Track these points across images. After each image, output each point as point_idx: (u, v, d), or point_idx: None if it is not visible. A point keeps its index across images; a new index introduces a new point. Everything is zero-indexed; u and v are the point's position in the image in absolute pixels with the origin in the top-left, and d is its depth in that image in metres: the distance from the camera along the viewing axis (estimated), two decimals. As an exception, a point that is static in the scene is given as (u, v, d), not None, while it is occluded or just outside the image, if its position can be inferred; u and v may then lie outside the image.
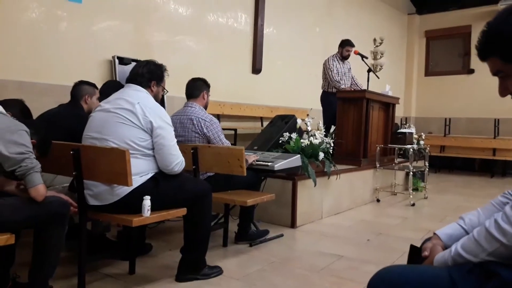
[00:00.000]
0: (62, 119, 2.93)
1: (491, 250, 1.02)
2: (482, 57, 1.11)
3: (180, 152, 2.50)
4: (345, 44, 6.08)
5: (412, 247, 1.37)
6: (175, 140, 2.49)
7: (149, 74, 2.57)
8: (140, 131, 2.36)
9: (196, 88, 3.34)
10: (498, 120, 9.15)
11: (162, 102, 4.56)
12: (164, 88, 2.72)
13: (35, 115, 3.00)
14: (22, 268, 2.25)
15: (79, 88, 3.15)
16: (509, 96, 1.12)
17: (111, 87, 3.34)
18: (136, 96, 2.45)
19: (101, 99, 2.88)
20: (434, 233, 1.30)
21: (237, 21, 6.27)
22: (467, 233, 1.24)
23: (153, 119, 2.37)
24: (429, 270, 1.13)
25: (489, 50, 1.08)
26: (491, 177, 8.77)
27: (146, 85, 2.56)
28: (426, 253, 1.24)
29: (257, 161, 3.44)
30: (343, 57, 6.08)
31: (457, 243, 1.12)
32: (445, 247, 1.24)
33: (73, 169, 2.30)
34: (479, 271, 1.04)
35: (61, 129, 2.78)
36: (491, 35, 1.07)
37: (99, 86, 3.59)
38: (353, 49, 6.07)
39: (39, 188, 1.94)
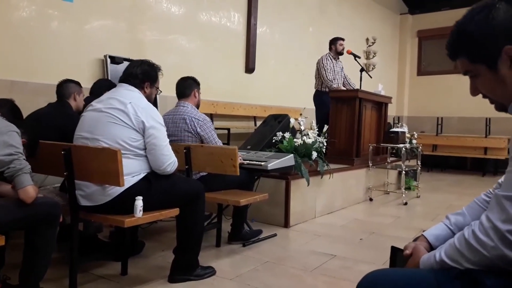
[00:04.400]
0: (51, 119, 2.91)
1: (474, 260, 1.02)
2: (452, 57, 1.10)
3: (172, 152, 2.49)
4: (336, 40, 6.12)
5: (393, 249, 1.38)
6: (168, 140, 2.48)
7: (143, 75, 2.54)
8: (132, 131, 2.35)
9: (187, 87, 3.32)
10: (489, 119, 9.23)
11: (154, 102, 4.54)
12: (158, 88, 2.70)
13: (26, 114, 2.97)
14: (13, 270, 2.23)
15: (67, 87, 3.13)
16: None
17: (102, 86, 3.32)
18: (128, 96, 2.43)
19: (92, 98, 2.86)
20: (422, 235, 1.31)
21: (230, 20, 6.25)
22: (453, 233, 1.25)
23: (145, 119, 2.35)
24: (416, 274, 1.13)
25: (458, 50, 1.08)
26: (482, 176, 8.84)
27: (139, 86, 2.53)
28: (408, 251, 1.25)
29: (250, 160, 3.43)
30: (338, 53, 6.10)
31: (441, 248, 1.11)
32: (433, 247, 1.25)
33: (64, 169, 2.28)
34: (465, 278, 1.03)
35: (51, 128, 2.76)
36: (458, 35, 1.06)
37: (90, 85, 3.58)
38: (344, 42, 6.11)
39: (28, 189, 1.91)
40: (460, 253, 1.05)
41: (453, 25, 1.08)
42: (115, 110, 2.36)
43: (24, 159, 1.95)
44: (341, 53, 6.12)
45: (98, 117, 2.39)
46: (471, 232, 1.03)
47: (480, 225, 1.01)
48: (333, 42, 6.14)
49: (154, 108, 2.50)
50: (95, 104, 2.47)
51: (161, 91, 2.77)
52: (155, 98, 4.67)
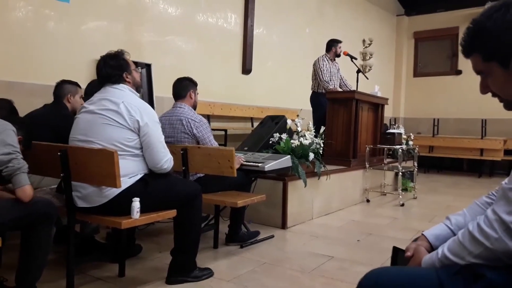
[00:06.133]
0: (46, 119, 2.91)
1: (476, 252, 1.02)
2: (466, 53, 1.11)
3: (168, 149, 2.48)
4: (336, 42, 6.15)
5: (395, 249, 1.38)
6: (163, 137, 2.47)
7: (114, 70, 2.46)
8: (127, 131, 2.33)
9: (182, 88, 3.30)
10: (485, 120, 9.27)
11: (151, 103, 4.53)
12: (137, 68, 2.61)
13: (23, 115, 2.97)
14: (9, 271, 2.22)
15: (61, 88, 3.13)
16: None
17: (96, 87, 3.30)
18: (120, 95, 2.40)
19: (86, 99, 2.85)
20: (422, 234, 1.31)
21: (227, 21, 6.26)
22: (453, 233, 1.25)
23: (139, 118, 2.34)
24: (417, 271, 1.14)
25: (472, 46, 1.08)
26: (479, 177, 8.87)
27: (122, 81, 2.48)
28: (409, 253, 1.25)
29: (247, 161, 3.43)
30: (337, 55, 6.14)
31: (444, 245, 1.12)
32: (433, 247, 1.25)
33: (60, 170, 2.27)
34: (466, 272, 1.04)
35: (46, 129, 2.76)
36: (475, 32, 1.07)
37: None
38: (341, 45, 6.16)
39: (26, 188, 1.91)
40: (463, 247, 1.05)
41: (470, 22, 1.09)
42: (108, 111, 2.34)
43: (21, 158, 1.96)
44: (339, 56, 6.17)
45: (92, 119, 2.37)
46: (476, 224, 1.04)
47: (485, 217, 1.02)
48: (333, 44, 6.15)
49: (148, 105, 2.48)
50: (88, 105, 2.44)
51: (140, 68, 2.66)
52: (152, 98, 4.67)
